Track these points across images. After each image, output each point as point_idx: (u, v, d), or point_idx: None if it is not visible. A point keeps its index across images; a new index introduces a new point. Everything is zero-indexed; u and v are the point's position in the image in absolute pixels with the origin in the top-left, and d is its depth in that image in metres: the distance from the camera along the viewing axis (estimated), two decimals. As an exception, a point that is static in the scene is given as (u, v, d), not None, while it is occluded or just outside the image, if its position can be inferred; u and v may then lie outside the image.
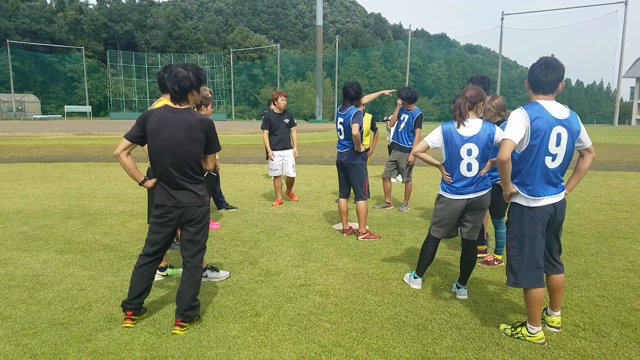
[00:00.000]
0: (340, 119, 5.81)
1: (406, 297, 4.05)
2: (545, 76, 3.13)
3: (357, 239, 5.86)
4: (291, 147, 8.03)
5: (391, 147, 8.10)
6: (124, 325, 3.42)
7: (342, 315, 3.66)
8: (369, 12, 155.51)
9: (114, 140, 24.23)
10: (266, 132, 7.82)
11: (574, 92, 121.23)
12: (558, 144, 3.10)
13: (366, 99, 6.71)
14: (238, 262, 4.97)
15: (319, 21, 72.11)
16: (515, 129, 3.08)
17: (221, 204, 7.58)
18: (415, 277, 4.28)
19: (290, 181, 8.28)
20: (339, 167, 5.98)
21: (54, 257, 5.07)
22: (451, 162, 3.85)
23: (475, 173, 3.79)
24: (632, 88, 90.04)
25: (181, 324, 3.36)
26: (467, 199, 3.84)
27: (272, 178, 8.14)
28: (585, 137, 3.22)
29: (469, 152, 3.76)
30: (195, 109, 4.33)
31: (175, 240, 4.55)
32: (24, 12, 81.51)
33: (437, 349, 3.16)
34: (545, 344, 3.22)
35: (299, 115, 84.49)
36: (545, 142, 3.09)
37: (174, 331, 3.34)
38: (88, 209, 7.57)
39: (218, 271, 4.47)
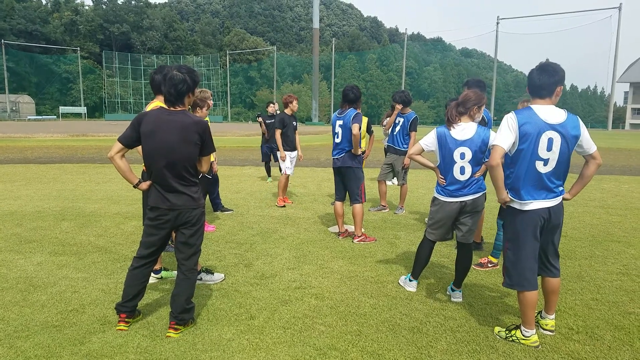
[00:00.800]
0: (339, 121, 5.82)
1: (401, 299, 4.05)
2: (539, 80, 3.17)
3: (352, 241, 5.86)
4: (296, 149, 8.31)
5: (387, 150, 8.12)
6: (117, 328, 3.40)
7: (337, 318, 3.66)
8: (365, 16, 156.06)
9: (109, 142, 24.14)
10: (279, 131, 8.02)
11: (568, 97, 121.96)
12: (549, 148, 3.11)
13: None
14: (233, 264, 4.96)
15: (316, 24, 72.12)
16: (503, 135, 3.17)
17: (217, 206, 7.57)
18: (410, 280, 4.29)
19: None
20: (336, 171, 5.99)
21: (47, 259, 5.04)
22: (445, 165, 3.87)
23: (469, 176, 3.81)
24: (626, 93, 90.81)
25: (175, 326, 3.35)
26: (461, 202, 3.86)
27: (283, 176, 8.23)
28: (588, 143, 3.17)
29: (462, 156, 3.78)
30: (191, 111, 4.32)
31: (169, 242, 4.54)
32: (19, 12, 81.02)
33: (432, 352, 3.16)
34: (540, 347, 3.23)
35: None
36: (535, 146, 3.11)
37: (168, 334, 3.32)
38: (82, 211, 7.53)
39: (213, 274, 4.45)
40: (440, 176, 3.93)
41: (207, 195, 7.31)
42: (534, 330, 3.28)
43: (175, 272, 3.64)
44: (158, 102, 3.99)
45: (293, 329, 3.47)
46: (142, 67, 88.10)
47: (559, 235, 3.33)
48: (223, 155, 17.72)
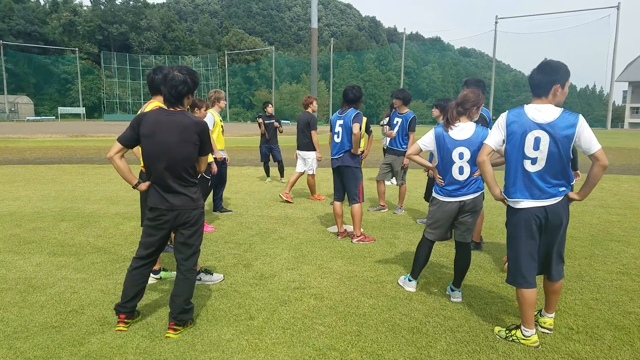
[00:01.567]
0: (340, 121, 5.84)
1: (400, 300, 4.05)
2: (532, 79, 3.21)
3: (351, 241, 5.86)
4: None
5: (386, 150, 8.13)
6: (117, 328, 3.40)
7: (336, 319, 3.66)
8: (363, 16, 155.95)
9: (107, 142, 24.13)
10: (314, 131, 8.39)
11: (567, 96, 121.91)
12: (536, 147, 3.10)
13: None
14: (232, 264, 4.95)
15: (314, 24, 71.84)
16: (492, 134, 3.32)
17: (217, 206, 7.56)
18: (409, 280, 4.29)
19: (297, 179, 8.83)
20: (335, 170, 6.00)
21: (46, 260, 5.03)
22: (443, 165, 3.88)
23: (467, 176, 3.81)
24: (625, 92, 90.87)
25: (175, 327, 3.34)
26: (460, 202, 3.86)
27: (309, 175, 8.69)
28: (588, 144, 3.04)
29: (461, 156, 3.78)
30: (189, 111, 4.32)
31: (169, 243, 4.53)
32: (18, 13, 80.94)
33: (432, 352, 3.16)
34: (540, 347, 3.23)
35: (293, 118, 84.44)
36: (520, 145, 3.14)
37: (167, 335, 3.32)
38: (81, 212, 7.52)
39: (212, 274, 4.45)
40: (439, 176, 3.93)
41: (212, 194, 7.31)
42: (534, 330, 3.27)
43: (175, 272, 3.63)
44: (157, 103, 3.97)
45: (292, 330, 3.46)
46: (140, 68, 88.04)
47: (562, 237, 3.24)
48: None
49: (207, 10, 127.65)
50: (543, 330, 3.43)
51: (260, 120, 10.96)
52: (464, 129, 3.80)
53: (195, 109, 5.85)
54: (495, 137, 3.27)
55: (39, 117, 73.03)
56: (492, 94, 61.65)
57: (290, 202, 8.44)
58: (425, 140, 3.95)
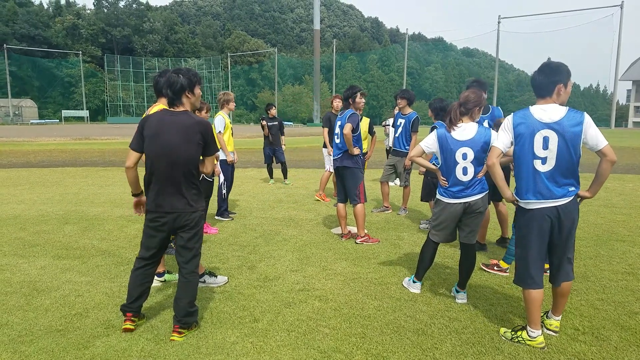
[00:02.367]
0: (339, 122, 5.87)
1: (405, 301, 4.04)
2: (534, 80, 3.24)
3: (355, 243, 5.85)
4: None
5: (389, 152, 8.12)
6: (124, 326, 3.40)
7: (341, 321, 3.65)
8: (366, 16, 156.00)
9: (111, 145, 24.20)
10: (326, 129, 8.45)
11: (570, 95, 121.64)
12: (545, 147, 3.10)
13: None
14: (236, 267, 4.95)
15: (317, 25, 72.24)
16: (500, 136, 3.31)
17: (220, 210, 7.37)
18: (414, 282, 4.27)
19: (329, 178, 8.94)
20: (336, 171, 6.00)
21: (51, 263, 5.04)
22: (447, 166, 3.86)
23: (471, 177, 3.79)
24: (629, 91, 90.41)
25: (179, 330, 3.34)
26: (464, 203, 3.85)
27: (327, 172, 8.79)
28: (594, 140, 3.07)
29: (464, 156, 3.77)
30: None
31: (171, 245, 4.53)
32: (22, 17, 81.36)
33: (437, 354, 3.14)
34: (546, 348, 3.21)
35: (296, 119, 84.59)
36: (530, 146, 3.15)
37: (171, 338, 3.31)
38: (85, 215, 7.54)
39: (216, 276, 4.44)
40: (442, 178, 3.91)
41: (218, 197, 7.22)
42: (540, 331, 3.25)
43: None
44: (161, 105, 4.05)
45: (297, 332, 3.46)
46: (143, 70, 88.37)
47: (572, 238, 3.22)
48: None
49: (210, 12, 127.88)
50: (548, 332, 3.41)
51: (264, 122, 10.99)
52: (466, 130, 3.79)
53: (197, 111, 5.85)
54: (504, 139, 3.28)
55: (43, 121, 73.28)
56: (496, 94, 61.57)
57: (325, 201, 8.73)
58: (428, 142, 3.94)
